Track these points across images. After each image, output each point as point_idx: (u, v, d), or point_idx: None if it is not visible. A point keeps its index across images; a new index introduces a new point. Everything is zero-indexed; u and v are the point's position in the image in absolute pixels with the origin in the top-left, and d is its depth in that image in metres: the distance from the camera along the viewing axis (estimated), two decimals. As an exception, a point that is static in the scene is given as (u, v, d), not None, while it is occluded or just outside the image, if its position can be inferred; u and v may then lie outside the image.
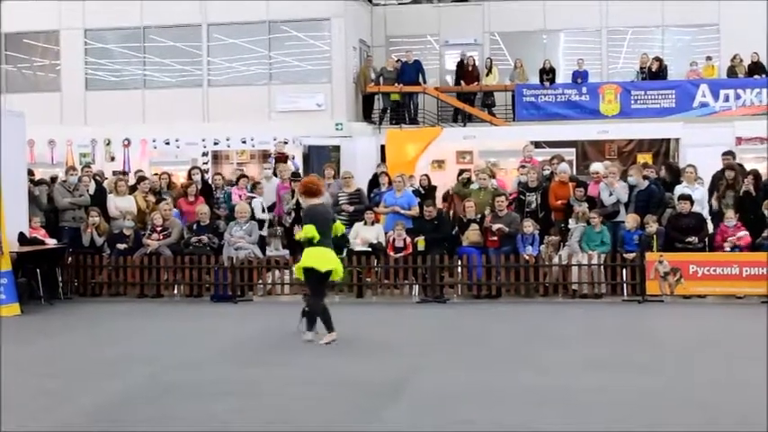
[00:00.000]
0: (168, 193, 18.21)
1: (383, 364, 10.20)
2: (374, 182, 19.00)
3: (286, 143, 22.71)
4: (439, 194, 19.52)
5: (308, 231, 11.45)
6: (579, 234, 15.97)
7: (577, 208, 16.20)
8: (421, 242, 16.23)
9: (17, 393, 8.86)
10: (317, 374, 9.75)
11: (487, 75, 26.36)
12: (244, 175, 18.71)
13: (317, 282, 11.61)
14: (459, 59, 26.86)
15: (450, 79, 28.05)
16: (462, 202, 17.07)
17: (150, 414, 8.09)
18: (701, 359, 10.43)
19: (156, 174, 19.63)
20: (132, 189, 18.23)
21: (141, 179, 18.66)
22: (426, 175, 19.48)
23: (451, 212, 18.23)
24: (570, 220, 16.27)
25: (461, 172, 19.70)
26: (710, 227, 16.34)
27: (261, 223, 17.14)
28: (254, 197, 17.68)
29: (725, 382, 9.17)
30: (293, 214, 17.08)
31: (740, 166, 17.26)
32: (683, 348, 11.12)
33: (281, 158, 20.99)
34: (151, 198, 17.95)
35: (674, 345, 11.43)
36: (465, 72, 26.50)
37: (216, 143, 24.77)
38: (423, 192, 18.38)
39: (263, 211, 17.49)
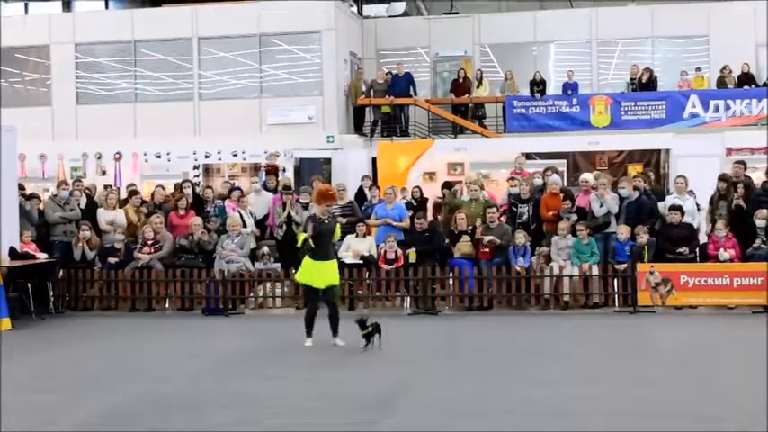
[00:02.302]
0: (162, 207, 18.16)
1: (376, 377, 10.19)
2: (359, 195, 19.01)
3: (277, 156, 22.71)
4: (430, 206, 19.52)
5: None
6: (555, 248, 16.01)
7: (561, 224, 16.20)
8: (412, 254, 16.24)
9: (9, 408, 8.82)
10: (311, 387, 9.75)
11: (478, 86, 26.41)
12: (236, 188, 18.64)
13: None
14: (455, 77, 26.88)
15: (440, 92, 28.19)
16: (454, 214, 17.04)
17: (144, 427, 8.08)
18: (694, 370, 10.44)
19: (159, 186, 19.48)
20: (124, 203, 18.22)
21: (133, 193, 18.64)
22: (418, 187, 19.50)
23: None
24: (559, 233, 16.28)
25: (447, 185, 19.59)
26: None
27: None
28: (238, 210, 17.61)
29: (720, 393, 9.17)
30: (285, 227, 17.07)
31: (747, 177, 17.15)
32: (677, 359, 11.15)
33: (272, 171, 20.96)
34: (144, 210, 17.93)
35: (667, 356, 11.45)
36: (456, 84, 26.55)
37: (207, 156, 24.74)
38: (415, 204, 18.38)
39: (244, 225, 17.32)
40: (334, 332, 12.26)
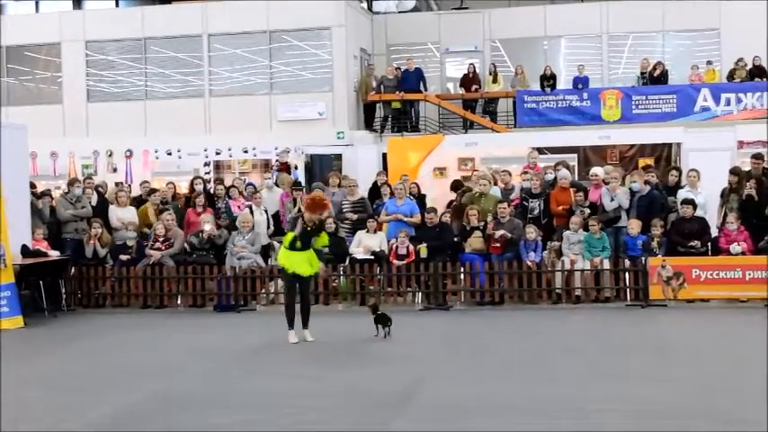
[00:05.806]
0: (173, 204, 18.19)
1: (388, 374, 10.20)
2: (373, 190, 18.95)
3: (288, 152, 22.73)
4: (441, 202, 19.44)
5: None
6: (567, 242, 15.98)
7: (573, 218, 16.15)
8: (423, 249, 16.20)
9: (21, 407, 8.85)
10: (323, 384, 9.76)
11: (494, 81, 26.35)
12: (233, 185, 18.62)
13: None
14: (465, 72, 26.80)
15: (451, 87, 28.17)
16: (466, 209, 16.97)
17: (157, 426, 8.11)
18: (706, 365, 10.41)
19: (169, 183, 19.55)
20: (139, 201, 18.25)
21: (151, 191, 18.67)
22: (416, 184, 19.25)
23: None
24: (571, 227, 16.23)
25: (457, 185, 19.47)
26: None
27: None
28: (251, 205, 17.62)
29: (732, 387, 9.15)
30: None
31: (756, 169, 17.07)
32: (689, 354, 11.13)
33: (284, 168, 20.95)
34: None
35: (679, 351, 11.42)
36: (466, 79, 26.51)
37: (218, 153, 24.76)
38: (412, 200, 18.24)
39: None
40: (305, 324, 12.45)
